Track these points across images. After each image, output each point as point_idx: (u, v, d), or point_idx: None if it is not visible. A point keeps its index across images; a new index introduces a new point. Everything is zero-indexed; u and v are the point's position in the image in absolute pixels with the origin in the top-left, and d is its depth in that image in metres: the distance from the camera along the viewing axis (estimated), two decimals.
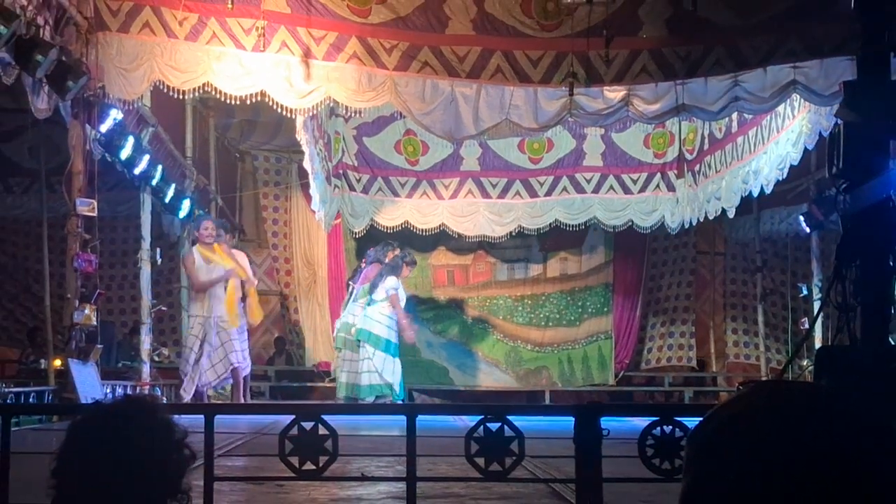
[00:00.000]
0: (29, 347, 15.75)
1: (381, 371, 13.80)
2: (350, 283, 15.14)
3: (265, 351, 17.29)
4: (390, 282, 14.06)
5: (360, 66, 11.49)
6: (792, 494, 1.14)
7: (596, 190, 17.11)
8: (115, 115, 10.96)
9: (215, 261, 12.79)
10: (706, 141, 16.11)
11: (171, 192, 13.13)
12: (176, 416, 2.36)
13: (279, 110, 11.81)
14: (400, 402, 13.76)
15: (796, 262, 17.47)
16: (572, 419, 4.92)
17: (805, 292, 15.90)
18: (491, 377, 17.77)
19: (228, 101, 11.85)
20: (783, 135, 13.20)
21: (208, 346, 12.53)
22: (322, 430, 4.82)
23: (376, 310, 14.00)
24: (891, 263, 7.15)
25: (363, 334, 13.92)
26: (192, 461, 2.28)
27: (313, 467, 4.83)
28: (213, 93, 11.67)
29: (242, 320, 13.15)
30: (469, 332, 17.86)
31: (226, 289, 12.78)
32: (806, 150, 12.58)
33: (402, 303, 14.25)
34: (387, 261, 14.37)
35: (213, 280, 12.66)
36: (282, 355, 17.58)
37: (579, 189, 17.13)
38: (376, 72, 11.57)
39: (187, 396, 12.38)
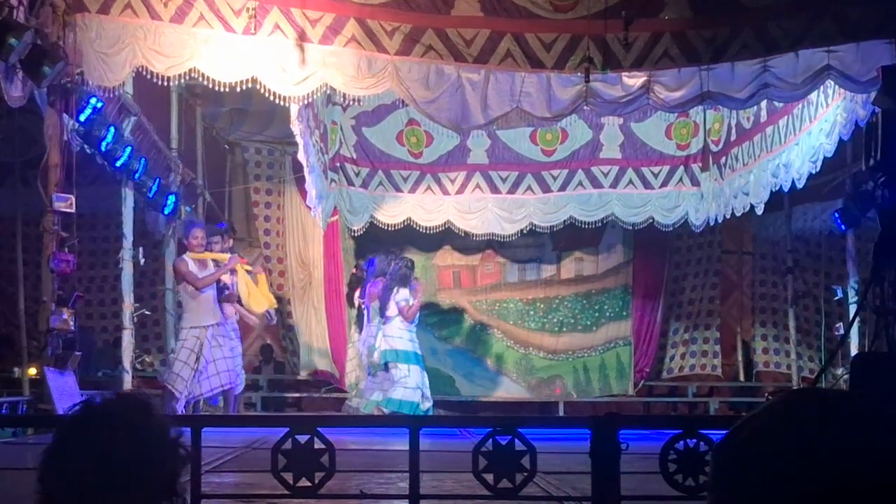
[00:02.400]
0: None
1: (422, 387, 13.97)
2: (357, 298, 15.15)
3: (255, 358, 17.33)
4: (402, 294, 14.15)
5: (360, 50, 11.50)
6: None
7: (614, 184, 17.12)
8: (95, 103, 10.97)
9: (208, 260, 12.93)
10: (733, 131, 16.10)
11: (155, 187, 13.14)
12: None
13: (272, 98, 11.81)
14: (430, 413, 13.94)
15: (830, 262, 17.47)
16: (588, 432, 4.93)
17: (840, 295, 15.88)
18: (500, 387, 17.78)
19: (217, 89, 11.85)
20: (816, 124, 13.20)
21: (203, 359, 12.62)
22: (318, 444, 4.83)
23: (395, 326, 14.13)
24: None
25: (390, 356, 14.01)
26: (187, 461, 2.32)
27: (308, 484, 4.84)
28: (201, 79, 11.67)
29: (236, 331, 13.27)
30: (476, 339, 17.87)
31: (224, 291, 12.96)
32: (841, 140, 12.57)
33: (415, 306, 14.38)
34: (390, 272, 14.39)
35: (214, 276, 12.78)
36: (269, 364, 17.62)
37: (596, 184, 17.13)
38: (376, 56, 11.58)
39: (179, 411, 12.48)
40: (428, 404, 14.15)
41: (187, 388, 12.60)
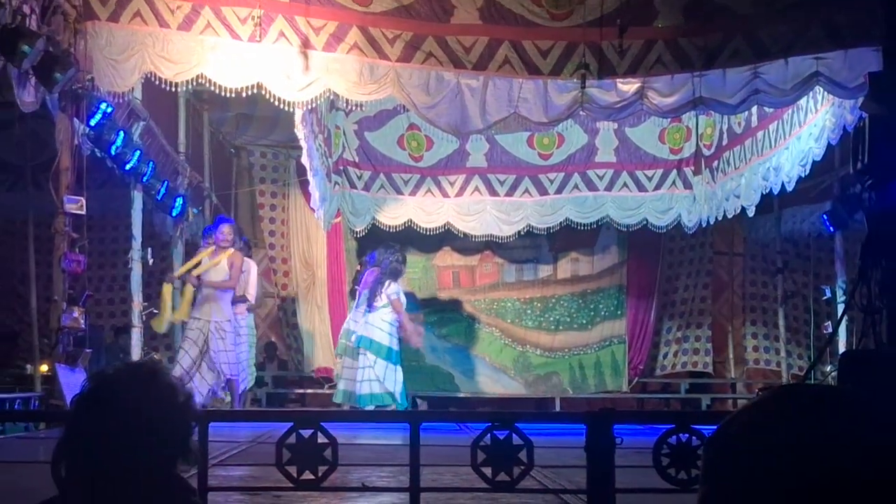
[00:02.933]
0: None
1: (382, 380, 13.81)
2: (356, 288, 15.21)
3: (259, 355, 17.31)
4: (392, 287, 14.09)
5: (362, 56, 11.49)
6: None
7: (609, 187, 17.12)
8: (105, 108, 10.95)
9: (216, 262, 12.91)
10: (725, 136, 16.10)
11: (163, 190, 13.14)
12: None
13: (276, 103, 11.81)
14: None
15: (819, 263, 17.45)
16: (584, 427, 4.93)
17: (828, 295, 15.88)
18: (498, 383, 17.77)
19: (223, 94, 11.86)
20: (805, 129, 13.20)
21: (209, 352, 12.60)
22: (321, 438, 4.83)
23: (378, 316, 13.98)
24: None
25: (364, 342, 13.91)
26: (197, 420, 2.46)
27: (312, 477, 4.84)
28: (208, 85, 11.67)
29: (244, 328, 13.28)
30: (475, 337, 17.87)
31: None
32: (829, 145, 12.57)
33: (404, 307, 14.25)
34: (382, 264, 14.38)
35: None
36: (273, 361, 17.60)
37: (591, 186, 17.13)
38: (378, 63, 11.58)
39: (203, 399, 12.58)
40: (381, 391, 13.85)
41: (187, 375, 12.55)
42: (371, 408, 13.62)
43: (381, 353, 13.88)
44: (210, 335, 12.58)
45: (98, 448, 2.28)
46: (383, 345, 13.91)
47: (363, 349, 13.89)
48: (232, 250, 12.91)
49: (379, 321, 13.98)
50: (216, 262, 12.80)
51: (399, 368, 14.06)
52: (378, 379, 13.81)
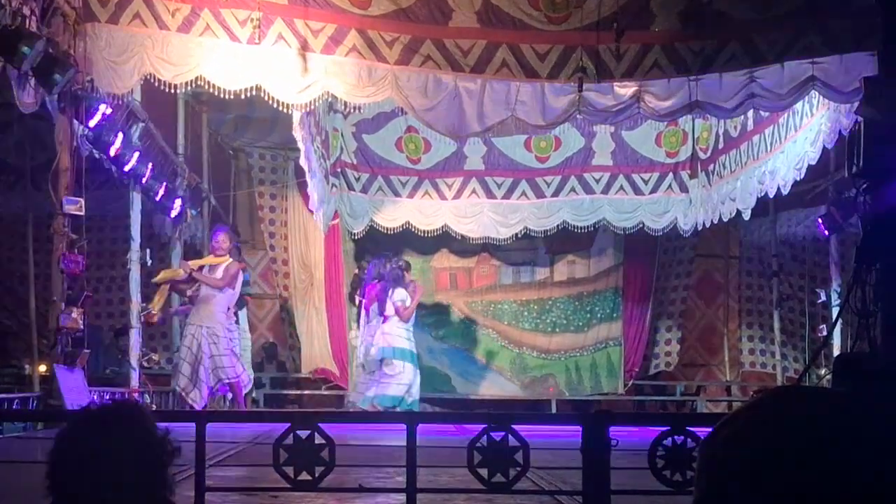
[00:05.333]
0: None
1: (410, 385, 14.10)
2: (357, 297, 15.25)
3: (256, 356, 17.29)
4: (398, 294, 14.21)
5: (360, 59, 11.50)
6: None
7: (605, 190, 17.13)
8: (104, 109, 10.94)
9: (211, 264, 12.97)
10: (721, 139, 16.12)
11: (161, 191, 13.13)
12: (167, 424, 2.61)
13: (275, 105, 11.81)
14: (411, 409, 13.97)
15: (814, 266, 17.47)
16: (579, 428, 4.93)
17: (823, 298, 15.89)
18: (495, 385, 17.76)
19: (222, 96, 11.85)
20: (801, 133, 13.21)
21: (203, 356, 12.60)
22: (318, 439, 4.83)
23: (392, 324, 14.23)
24: None
25: (387, 352, 14.09)
26: (174, 456, 2.57)
27: (309, 478, 4.83)
28: (206, 87, 11.67)
29: (234, 332, 13.18)
30: (472, 338, 17.86)
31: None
32: (825, 149, 12.58)
33: (412, 306, 14.46)
34: (385, 274, 14.48)
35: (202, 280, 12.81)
36: (272, 362, 17.59)
37: (588, 189, 17.14)
38: (377, 65, 11.58)
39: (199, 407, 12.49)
40: (411, 399, 14.23)
41: (190, 383, 12.58)
42: (389, 407, 13.77)
43: (406, 357, 14.16)
44: (202, 340, 12.60)
45: (82, 476, 2.45)
46: (406, 349, 14.15)
47: (388, 359, 14.07)
48: (230, 260, 12.98)
49: (395, 328, 14.24)
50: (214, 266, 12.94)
51: (417, 370, 14.30)
52: (408, 384, 14.05)
